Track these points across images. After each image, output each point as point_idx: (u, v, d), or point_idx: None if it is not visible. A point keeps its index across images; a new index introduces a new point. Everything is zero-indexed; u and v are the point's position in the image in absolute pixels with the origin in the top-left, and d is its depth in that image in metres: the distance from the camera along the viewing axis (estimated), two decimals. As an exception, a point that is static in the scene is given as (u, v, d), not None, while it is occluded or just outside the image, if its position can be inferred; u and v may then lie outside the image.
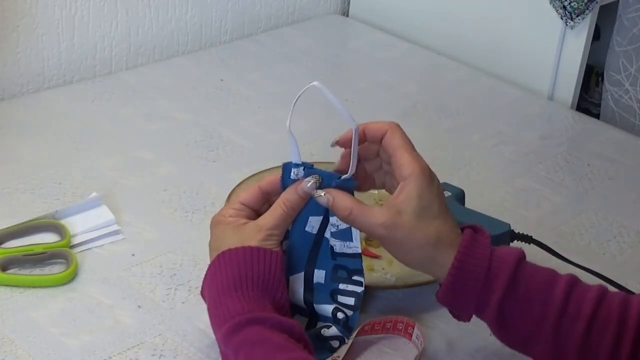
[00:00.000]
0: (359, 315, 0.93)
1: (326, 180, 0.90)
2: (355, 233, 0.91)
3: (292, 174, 0.90)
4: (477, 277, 0.84)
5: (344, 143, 0.91)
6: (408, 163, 0.87)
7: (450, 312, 0.90)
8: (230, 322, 0.82)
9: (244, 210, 0.91)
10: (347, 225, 0.91)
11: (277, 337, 0.81)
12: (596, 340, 0.83)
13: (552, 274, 0.86)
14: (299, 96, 0.88)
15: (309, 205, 0.90)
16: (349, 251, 0.92)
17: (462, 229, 0.87)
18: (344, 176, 0.89)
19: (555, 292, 0.84)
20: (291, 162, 0.90)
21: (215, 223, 0.91)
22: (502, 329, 0.86)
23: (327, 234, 0.92)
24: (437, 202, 0.86)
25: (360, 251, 0.92)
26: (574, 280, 0.85)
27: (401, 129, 0.90)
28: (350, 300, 0.93)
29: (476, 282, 0.84)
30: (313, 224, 0.91)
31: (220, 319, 0.84)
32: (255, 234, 0.88)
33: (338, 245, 0.92)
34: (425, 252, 0.86)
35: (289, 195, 0.90)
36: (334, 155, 0.94)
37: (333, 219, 0.91)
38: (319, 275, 0.92)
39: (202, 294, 0.90)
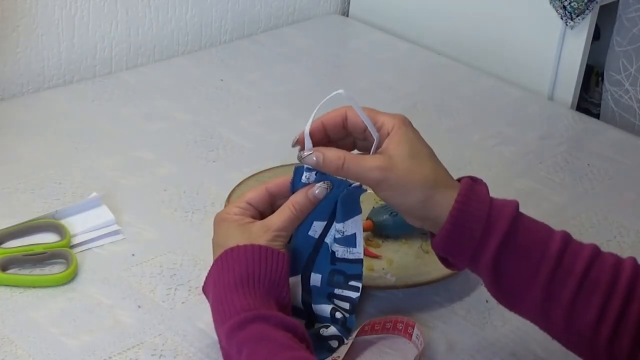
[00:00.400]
0: (354, 319, 0.94)
1: (336, 186, 0.90)
2: (360, 240, 0.92)
3: (303, 177, 0.90)
4: (476, 224, 0.84)
5: (301, 143, 0.89)
6: (386, 120, 0.88)
7: (445, 260, 0.89)
8: (236, 317, 0.82)
9: (249, 210, 0.91)
10: (353, 232, 0.91)
11: (281, 335, 0.81)
12: (584, 301, 0.82)
13: (548, 229, 0.86)
14: (323, 102, 0.88)
15: (315, 210, 0.91)
16: (351, 257, 0.92)
17: (459, 180, 0.88)
18: (354, 184, 0.90)
19: (550, 246, 0.84)
20: (303, 166, 0.90)
21: (220, 220, 0.91)
22: (495, 281, 0.85)
23: (328, 239, 0.92)
24: (425, 146, 0.88)
25: (362, 257, 0.93)
26: (568, 237, 0.86)
27: (357, 105, 0.90)
28: (345, 305, 0.93)
29: (474, 229, 0.84)
30: (317, 228, 0.92)
31: (224, 314, 0.84)
32: (263, 233, 0.88)
33: (341, 251, 0.92)
34: (423, 192, 0.85)
35: (298, 198, 0.90)
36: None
37: (339, 225, 0.91)
38: (315, 279, 0.93)
39: (205, 289, 0.90)
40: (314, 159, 0.87)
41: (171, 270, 1.03)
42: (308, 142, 0.89)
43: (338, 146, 0.91)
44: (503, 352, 0.96)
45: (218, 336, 0.86)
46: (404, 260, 1.06)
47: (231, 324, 0.82)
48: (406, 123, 0.88)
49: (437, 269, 1.02)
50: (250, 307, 0.83)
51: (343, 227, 0.91)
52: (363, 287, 1.00)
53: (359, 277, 0.93)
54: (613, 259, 0.85)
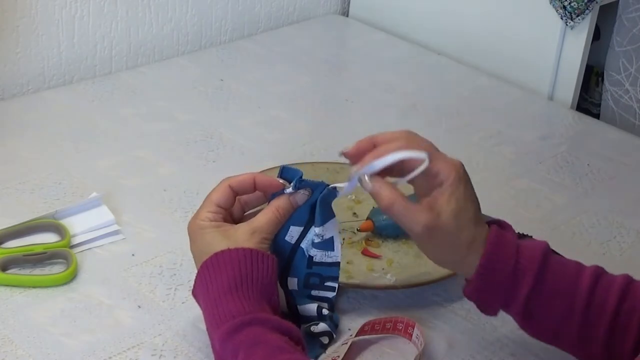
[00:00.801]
0: (338, 317, 0.95)
1: (311, 186, 0.91)
2: (337, 243, 0.93)
3: (288, 183, 0.92)
4: (504, 273, 0.85)
5: (352, 157, 0.87)
6: (443, 168, 0.85)
7: (477, 306, 0.90)
8: (231, 321, 0.82)
9: (220, 212, 0.91)
10: (331, 235, 0.92)
11: (277, 338, 0.81)
12: (620, 335, 0.84)
13: (578, 266, 0.87)
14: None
15: (293, 214, 0.92)
16: (329, 260, 0.93)
17: (488, 224, 0.87)
18: (328, 186, 0.91)
19: (581, 284, 0.85)
20: (286, 166, 0.93)
21: (196, 228, 0.91)
22: (529, 322, 0.87)
23: (304, 245, 0.93)
24: (472, 205, 0.86)
25: (339, 260, 0.93)
26: (599, 272, 0.86)
27: (416, 135, 0.88)
28: (323, 305, 0.94)
29: (504, 279, 0.85)
30: (293, 233, 0.92)
31: (219, 317, 0.84)
32: (249, 236, 0.88)
33: (319, 255, 0.93)
34: (459, 253, 0.86)
35: (281, 202, 0.91)
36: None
37: (318, 229, 0.92)
38: (292, 283, 0.94)
39: (194, 293, 0.90)
40: (371, 186, 0.85)
41: (171, 270, 1.03)
42: (371, 168, 0.85)
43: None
44: (503, 352, 0.96)
45: (211, 340, 0.85)
46: (404, 260, 1.06)
47: (226, 328, 0.82)
48: (461, 175, 0.85)
49: (437, 269, 1.02)
50: (245, 310, 0.83)
51: (322, 231, 0.92)
52: (363, 287, 1.00)
53: (335, 279, 0.94)
54: None
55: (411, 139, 0.86)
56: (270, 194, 0.92)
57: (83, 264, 1.03)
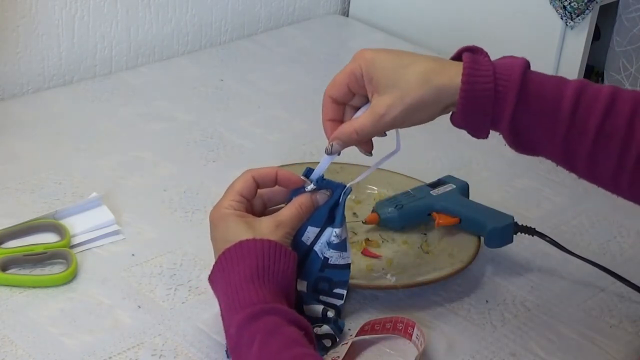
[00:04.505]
0: (343, 323, 0.95)
1: (330, 186, 0.93)
2: (348, 245, 0.94)
3: (311, 182, 0.93)
4: (486, 96, 0.86)
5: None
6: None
7: (467, 131, 0.91)
8: (251, 308, 0.82)
9: (243, 202, 0.92)
10: (345, 236, 0.93)
11: (294, 331, 0.82)
12: (602, 155, 0.85)
13: (560, 83, 0.88)
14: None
15: (312, 215, 0.92)
16: (342, 262, 0.94)
17: (460, 52, 0.90)
18: (348, 185, 0.93)
19: (563, 103, 0.86)
20: (310, 169, 0.94)
21: (220, 216, 0.91)
22: (515, 141, 0.89)
23: (317, 247, 0.93)
24: (401, 54, 0.91)
25: (350, 262, 0.94)
26: (582, 87, 0.87)
27: None
28: (331, 313, 0.94)
29: (487, 101, 0.86)
30: (310, 234, 0.93)
31: (239, 303, 0.84)
32: (274, 229, 0.89)
33: (335, 257, 0.93)
34: (428, 91, 0.87)
35: (304, 200, 0.92)
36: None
37: (338, 230, 0.92)
38: (301, 285, 0.94)
39: (212, 278, 0.89)
40: (336, 145, 0.90)
41: (171, 270, 1.03)
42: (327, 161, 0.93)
43: None
44: (503, 352, 0.96)
45: (225, 324, 0.85)
46: (404, 260, 1.06)
47: (246, 314, 0.82)
48: (368, 58, 0.91)
49: (437, 269, 1.02)
50: (266, 299, 0.83)
51: (341, 232, 0.92)
52: (363, 287, 1.00)
53: (344, 284, 0.94)
54: (629, 106, 0.86)
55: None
56: (291, 191, 0.93)
57: (83, 264, 1.03)
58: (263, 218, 0.91)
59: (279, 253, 0.87)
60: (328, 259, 0.93)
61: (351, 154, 1.28)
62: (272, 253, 0.87)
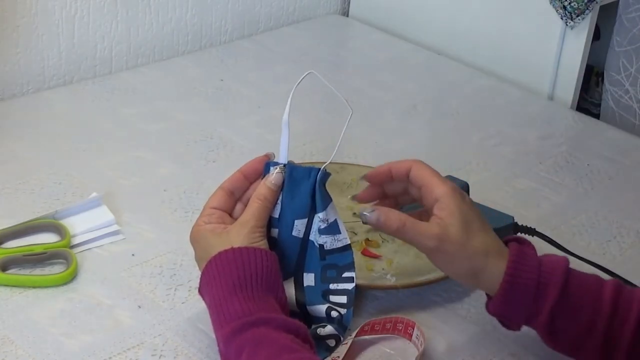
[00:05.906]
0: (352, 313, 0.93)
1: (303, 177, 0.91)
2: (341, 225, 0.92)
3: (270, 170, 0.92)
4: (528, 287, 0.86)
5: (371, 179, 0.95)
6: (438, 185, 0.90)
7: (500, 322, 0.91)
8: (236, 322, 0.82)
9: (215, 214, 0.92)
10: (334, 218, 0.92)
11: (282, 337, 0.81)
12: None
13: (598, 279, 0.88)
14: (296, 86, 0.88)
15: (292, 208, 0.91)
16: (339, 245, 0.93)
17: (506, 242, 0.90)
18: (320, 169, 0.91)
19: (604, 295, 0.86)
20: (271, 162, 0.93)
21: (195, 235, 0.92)
22: (552, 336, 0.88)
23: (312, 237, 0.92)
24: (476, 216, 0.89)
25: (349, 242, 0.93)
26: (619, 283, 0.88)
27: (424, 163, 0.93)
28: (343, 299, 0.93)
29: (528, 293, 0.86)
30: (299, 227, 0.92)
31: (223, 318, 0.84)
32: (240, 228, 0.89)
33: (329, 242, 0.92)
34: (475, 263, 0.87)
35: (260, 190, 0.91)
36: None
37: (322, 215, 0.91)
38: (309, 278, 0.93)
39: (201, 292, 0.90)
40: (375, 217, 0.90)
41: (171, 270, 1.03)
42: (285, 138, 0.92)
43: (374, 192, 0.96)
44: (503, 352, 0.96)
45: (217, 339, 0.86)
46: (404, 260, 1.06)
47: (231, 328, 0.82)
48: (456, 191, 0.90)
49: (437, 269, 1.02)
50: (250, 311, 0.83)
51: (326, 215, 0.91)
52: (363, 287, 1.00)
53: (351, 266, 0.93)
54: None
55: (418, 162, 0.93)
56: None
57: (83, 264, 1.03)
58: (231, 225, 0.90)
59: (252, 255, 0.87)
60: (323, 245, 0.92)
61: (351, 153, 1.29)
62: (245, 258, 0.86)
